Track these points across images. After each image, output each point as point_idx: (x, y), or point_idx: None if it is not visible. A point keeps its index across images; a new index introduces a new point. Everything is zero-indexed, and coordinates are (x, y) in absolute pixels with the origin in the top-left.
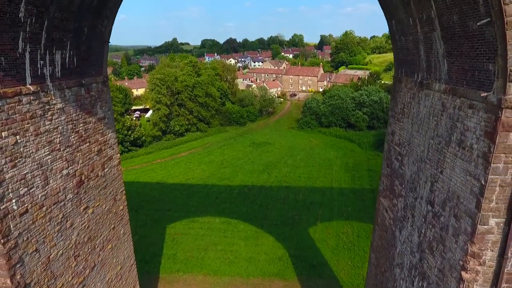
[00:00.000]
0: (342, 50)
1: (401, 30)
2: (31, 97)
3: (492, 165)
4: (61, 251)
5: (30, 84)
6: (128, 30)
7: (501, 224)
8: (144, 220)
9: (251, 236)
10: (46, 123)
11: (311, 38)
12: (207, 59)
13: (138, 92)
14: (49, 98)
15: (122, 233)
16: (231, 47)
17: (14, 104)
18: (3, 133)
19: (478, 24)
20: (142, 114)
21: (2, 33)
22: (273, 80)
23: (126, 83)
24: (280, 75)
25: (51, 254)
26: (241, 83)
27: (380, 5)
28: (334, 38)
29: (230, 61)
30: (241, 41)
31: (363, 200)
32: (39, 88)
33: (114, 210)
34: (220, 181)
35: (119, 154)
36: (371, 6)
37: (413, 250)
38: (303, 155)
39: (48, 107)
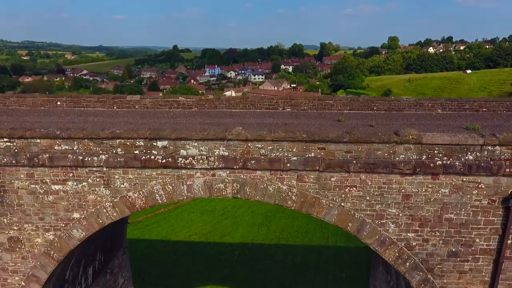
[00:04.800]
0: (340, 72)
1: None
2: None
3: None
4: None
5: None
6: (128, 30)
7: None
8: None
9: None
10: None
11: (311, 41)
12: (207, 71)
13: None
14: None
15: None
16: (232, 57)
17: None
18: None
19: None
20: None
21: None
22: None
23: None
24: None
25: None
26: None
27: None
28: (334, 46)
29: (231, 73)
30: (242, 50)
31: (357, 264)
32: None
33: None
34: (221, 237)
35: None
36: (371, 8)
37: None
38: None
39: None
